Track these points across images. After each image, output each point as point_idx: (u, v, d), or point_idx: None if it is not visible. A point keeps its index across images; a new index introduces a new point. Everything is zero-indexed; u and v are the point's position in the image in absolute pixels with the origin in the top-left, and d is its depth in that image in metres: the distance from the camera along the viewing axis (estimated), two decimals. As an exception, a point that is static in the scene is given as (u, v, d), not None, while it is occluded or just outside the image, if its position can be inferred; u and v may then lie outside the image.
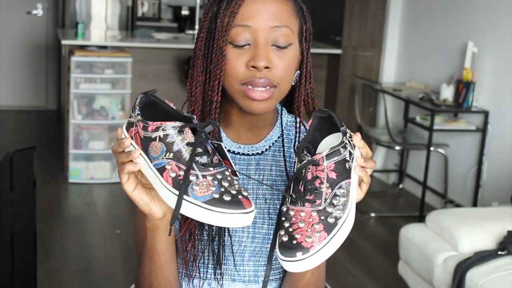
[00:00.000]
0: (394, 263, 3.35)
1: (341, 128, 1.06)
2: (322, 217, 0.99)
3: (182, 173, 0.99)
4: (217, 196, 0.97)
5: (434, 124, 4.19)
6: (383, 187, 5.14)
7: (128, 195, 1.06)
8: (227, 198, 0.96)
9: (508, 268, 2.62)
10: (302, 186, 1.02)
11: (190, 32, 6.05)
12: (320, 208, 1.00)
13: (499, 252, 2.73)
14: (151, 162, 1.02)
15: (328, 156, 1.02)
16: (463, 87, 4.21)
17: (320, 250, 0.97)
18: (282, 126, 1.28)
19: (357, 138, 1.06)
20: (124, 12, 6.57)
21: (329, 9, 5.58)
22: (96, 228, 4.01)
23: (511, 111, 4.01)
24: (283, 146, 1.27)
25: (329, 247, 0.98)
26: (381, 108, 5.06)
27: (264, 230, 1.24)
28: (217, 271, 1.22)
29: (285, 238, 0.99)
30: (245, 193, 0.99)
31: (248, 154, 1.25)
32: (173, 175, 0.99)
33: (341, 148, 1.03)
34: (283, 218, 1.03)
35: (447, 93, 4.33)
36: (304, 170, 1.03)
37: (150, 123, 1.03)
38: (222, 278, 1.23)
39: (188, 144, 1.01)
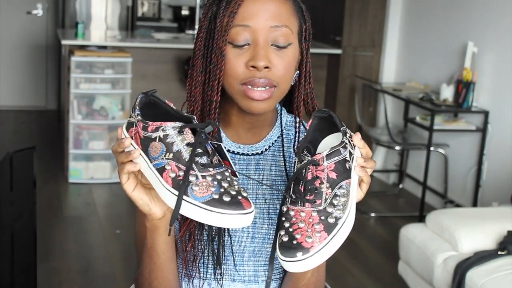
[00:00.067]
0: (394, 263, 3.35)
1: (341, 128, 1.06)
2: (322, 217, 0.99)
3: (181, 173, 0.99)
4: (216, 196, 0.97)
5: (434, 124, 4.19)
6: (383, 187, 5.14)
7: (128, 195, 1.06)
8: (226, 198, 0.96)
9: (508, 268, 2.62)
10: (302, 186, 1.02)
11: (190, 32, 6.05)
12: (320, 208, 1.00)
13: (499, 252, 2.73)
14: (151, 162, 1.02)
15: (328, 156, 1.02)
16: (463, 87, 4.21)
17: (320, 250, 0.97)
18: (281, 126, 1.28)
19: (357, 138, 1.06)
20: (124, 12, 6.57)
21: (329, 9, 5.58)
22: (96, 228, 4.01)
23: (511, 111, 4.01)
24: (283, 146, 1.27)
25: (330, 247, 0.98)
26: (381, 108, 5.06)
27: (264, 230, 1.24)
28: (217, 271, 1.22)
29: (285, 238, 0.99)
30: (244, 194, 0.99)
31: (247, 154, 1.25)
32: (173, 175, 0.99)
33: (341, 148, 1.03)
34: (283, 218, 1.02)
35: (447, 93, 4.33)
36: (304, 170, 1.03)
37: (150, 123, 1.03)
38: (222, 278, 1.23)
39: (188, 144, 1.01)
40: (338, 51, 5.32)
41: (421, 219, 4.09)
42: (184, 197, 0.98)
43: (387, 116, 4.61)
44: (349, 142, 1.05)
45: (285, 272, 1.26)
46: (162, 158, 1.01)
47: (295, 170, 1.05)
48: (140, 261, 1.19)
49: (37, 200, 2.29)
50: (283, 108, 1.30)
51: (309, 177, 1.02)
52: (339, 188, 1.01)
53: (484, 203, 4.18)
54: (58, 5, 6.69)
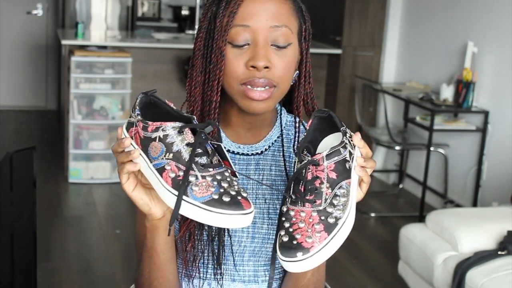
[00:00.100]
0: (394, 263, 3.35)
1: (341, 128, 1.06)
2: (323, 217, 0.99)
3: (181, 173, 0.99)
4: (216, 197, 0.97)
5: (434, 124, 4.19)
6: (383, 187, 5.14)
7: (128, 195, 1.06)
8: (226, 199, 0.96)
9: (508, 268, 2.62)
10: (302, 186, 1.02)
11: (190, 32, 6.05)
12: (321, 208, 1.00)
13: (499, 252, 2.73)
14: (151, 162, 1.02)
15: (328, 156, 1.02)
16: (463, 87, 4.21)
17: (320, 250, 0.97)
18: (281, 126, 1.28)
19: (357, 138, 1.06)
20: (124, 12, 6.57)
21: (329, 9, 5.58)
22: (96, 228, 4.01)
23: (511, 111, 4.01)
24: (283, 146, 1.27)
25: (330, 247, 0.98)
26: (381, 108, 5.05)
27: (264, 230, 1.23)
28: (217, 271, 1.22)
29: (285, 238, 0.99)
30: (244, 194, 0.99)
31: (247, 154, 1.25)
32: (173, 175, 0.99)
33: (341, 148, 1.03)
34: (283, 218, 1.02)
35: (447, 93, 4.33)
36: (304, 170, 1.02)
37: (150, 123, 1.03)
38: (222, 278, 1.23)
39: (187, 144, 1.01)
40: (338, 51, 5.32)
41: (421, 219, 4.09)
42: (184, 197, 0.97)
43: (387, 116, 4.61)
44: (349, 142, 1.05)
45: (285, 272, 1.26)
46: (162, 158, 1.01)
47: (295, 170, 1.05)
48: (140, 261, 1.19)
49: (37, 200, 2.29)
50: (283, 108, 1.30)
51: (309, 177, 1.02)
52: (339, 188, 1.01)
53: (484, 203, 4.18)
54: (58, 5, 6.69)
